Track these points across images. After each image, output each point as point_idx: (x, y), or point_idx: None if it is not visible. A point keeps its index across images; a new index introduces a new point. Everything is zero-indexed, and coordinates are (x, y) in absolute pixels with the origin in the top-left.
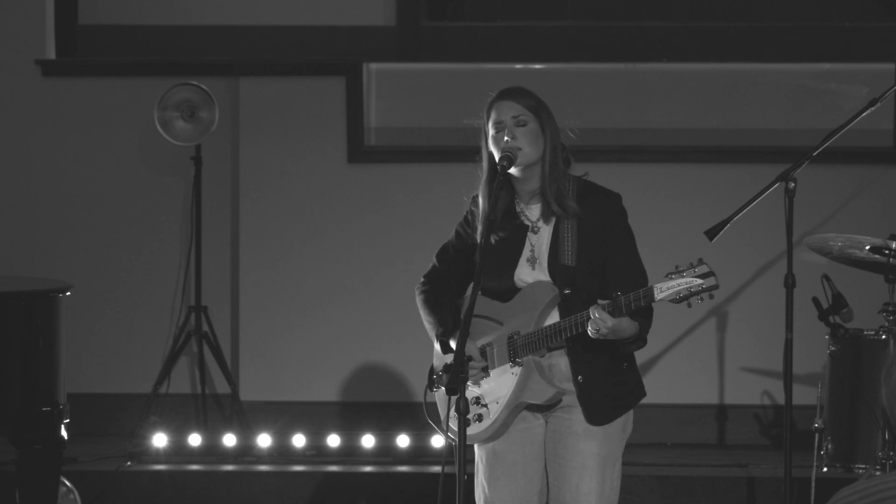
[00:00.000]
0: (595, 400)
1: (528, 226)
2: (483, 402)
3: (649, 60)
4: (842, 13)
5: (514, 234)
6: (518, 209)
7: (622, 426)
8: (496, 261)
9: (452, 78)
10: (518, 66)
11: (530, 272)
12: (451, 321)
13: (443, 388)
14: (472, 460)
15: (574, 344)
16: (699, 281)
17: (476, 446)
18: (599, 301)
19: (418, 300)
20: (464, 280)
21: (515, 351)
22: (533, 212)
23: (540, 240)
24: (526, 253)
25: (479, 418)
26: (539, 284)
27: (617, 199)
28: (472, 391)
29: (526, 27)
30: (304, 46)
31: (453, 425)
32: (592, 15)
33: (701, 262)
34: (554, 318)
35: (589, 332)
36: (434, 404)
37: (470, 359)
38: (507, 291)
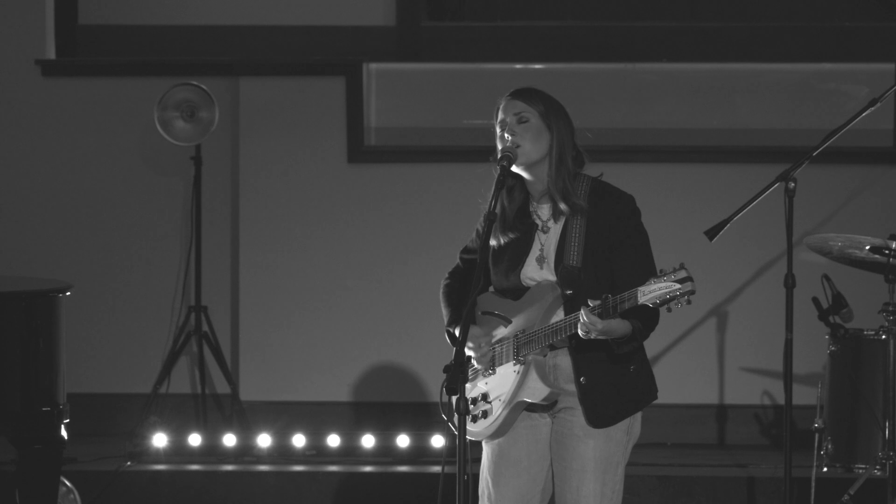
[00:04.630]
0: (596, 402)
1: (537, 225)
2: (489, 399)
3: (649, 60)
4: (842, 13)
5: (524, 233)
6: (531, 208)
7: (626, 429)
8: (507, 259)
9: (452, 78)
10: (518, 66)
11: (538, 271)
12: (453, 316)
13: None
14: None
15: (577, 344)
16: (677, 286)
17: (483, 443)
18: (590, 302)
19: (440, 295)
20: (476, 275)
21: (518, 349)
22: (544, 211)
23: (549, 239)
24: (535, 252)
25: (484, 415)
26: (543, 284)
27: (629, 200)
28: (479, 388)
29: (526, 27)
30: (304, 46)
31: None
32: (592, 15)
33: (681, 266)
34: (559, 317)
35: (579, 333)
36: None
37: (470, 358)
38: (516, 290)
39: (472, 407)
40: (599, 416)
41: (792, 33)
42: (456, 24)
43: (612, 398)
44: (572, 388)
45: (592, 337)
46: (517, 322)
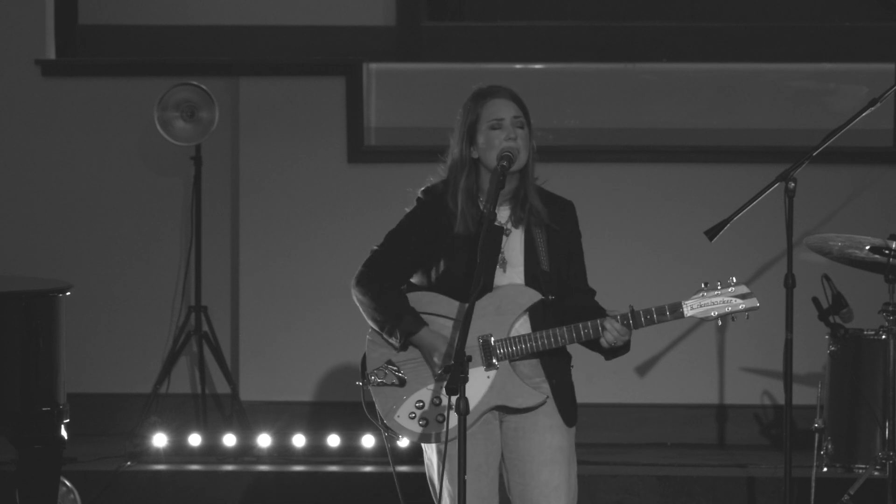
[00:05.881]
0: (566, 401)
1: (501, 227)
2: (447, 403)
3: (649, 60)
4: (842, 13)
5: (487, 235)
6: (483, 209)
7: (575, 427)
8: (467, 261)
9: (452, 78)
10: (518, 66)
11: (501, 275)
12: (412, 319)
13: (377, 383)
14: (423, 461)
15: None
16: (738, 301)
17: (432, 447)
18: (610, 313)
19: (365, 290)
20: (408, 270)
21: (492, 354)
22: (501, 214)
23: (511, 243)
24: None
25: (442, 419)
26: (516, 288)
27: (574, 208)
28: (434, 391)
29: (526, 27)
30: (304, 46)
31: (402, 423)
32: (592, 15)
33: (737, 281)
34: (524, 322)
35: (603, 342)
36: (372, 402)
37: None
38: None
39: (420, 410)
40: (569, 414)
41: (792, 33)
42: (456, 24)
43: (573, 397)
44: (535, 385)
45: (617, 345)
46: (477, 325)
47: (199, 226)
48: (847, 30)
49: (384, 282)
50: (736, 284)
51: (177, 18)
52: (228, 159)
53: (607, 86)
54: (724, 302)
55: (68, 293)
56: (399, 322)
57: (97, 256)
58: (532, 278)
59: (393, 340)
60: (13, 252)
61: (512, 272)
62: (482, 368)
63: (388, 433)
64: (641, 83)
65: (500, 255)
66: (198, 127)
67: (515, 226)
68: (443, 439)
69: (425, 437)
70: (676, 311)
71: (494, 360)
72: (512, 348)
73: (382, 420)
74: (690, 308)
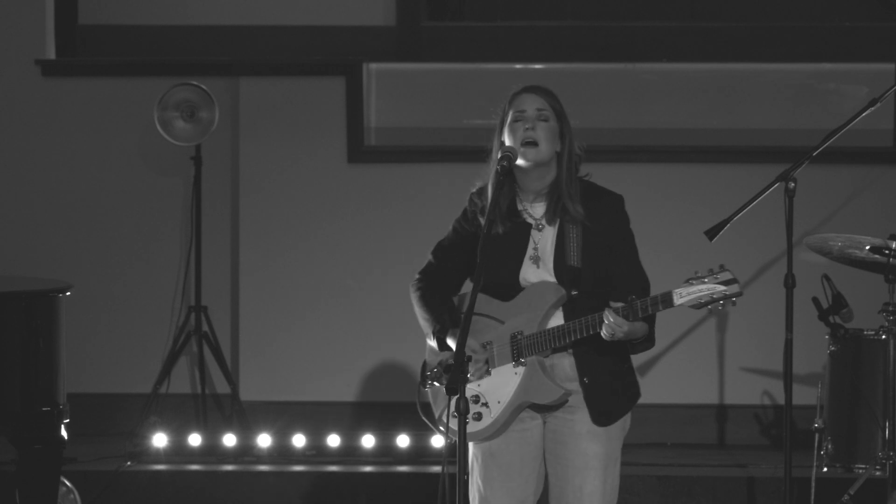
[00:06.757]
0: (600, 401)
1: (531, 224)
2: (483, 401)
3: (649, 60)
4: (842, 13)
5: (517, 232)
6: (520, 207)
7: (622, 426)
8: (499, 258)
9: (452, 78)
10: (518, 66)
11: (534, 271)
12: (448, 318)
13: (436, 385)
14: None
15: (579, 345)
16: (722, 287)
17: (471, 445)
18: (612, 304)
19: (414, 297)
20: (460, 277)
21: (519, 351)
22: (536, 210)
23: (544, 239)
24: (529, 252)
25: (479, 417)
26: (544, 284)
27: (621, 202)
28: (470, 389)
29: (526, 27)
30: (304, 46)
31: (452, 424)
32: (592, 15)
33: (723, 268)
34: (558, 318)
35: (603, 334)
36: (428, 402)
37: (469, 358)
38: (509, 289)
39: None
40: (604, 414)
41: (792, 33)
42: (456, 24)
43: (613, 396)
44: (572, 387)
45: (617, 338)
46: (512, 323)
47: (199, 226)
48: (847, 30)
49: (433, 288)
50: (721, 271)
51: (177, 18)
52: (228, 159)
53: (607, 86)
54: (709, 290)
55: (68, 293)
56: (434, 323)
57: (97, 256)
58: (560, 274)
59: (432, 342)
60: (13, 252)
61: (544, 269)
62: (511, 365)
63: (443, 433)
64: (641, 83)
65: (534, 252)
66: (198, 127)
67: (550, 222)
68: (480, 437)
69: (469, 437)
70: (667, 299)
71: (522, 358)
72: (535, 345)
73: (438, 420)
74: (679, 296)
